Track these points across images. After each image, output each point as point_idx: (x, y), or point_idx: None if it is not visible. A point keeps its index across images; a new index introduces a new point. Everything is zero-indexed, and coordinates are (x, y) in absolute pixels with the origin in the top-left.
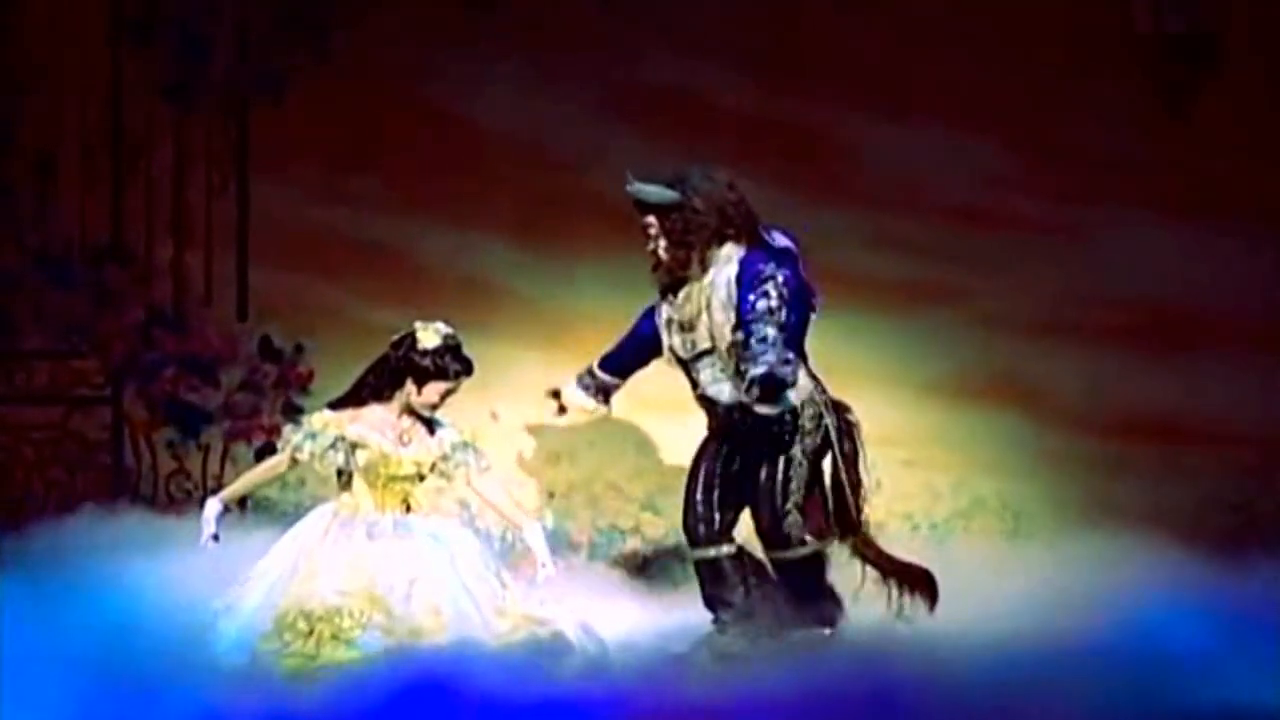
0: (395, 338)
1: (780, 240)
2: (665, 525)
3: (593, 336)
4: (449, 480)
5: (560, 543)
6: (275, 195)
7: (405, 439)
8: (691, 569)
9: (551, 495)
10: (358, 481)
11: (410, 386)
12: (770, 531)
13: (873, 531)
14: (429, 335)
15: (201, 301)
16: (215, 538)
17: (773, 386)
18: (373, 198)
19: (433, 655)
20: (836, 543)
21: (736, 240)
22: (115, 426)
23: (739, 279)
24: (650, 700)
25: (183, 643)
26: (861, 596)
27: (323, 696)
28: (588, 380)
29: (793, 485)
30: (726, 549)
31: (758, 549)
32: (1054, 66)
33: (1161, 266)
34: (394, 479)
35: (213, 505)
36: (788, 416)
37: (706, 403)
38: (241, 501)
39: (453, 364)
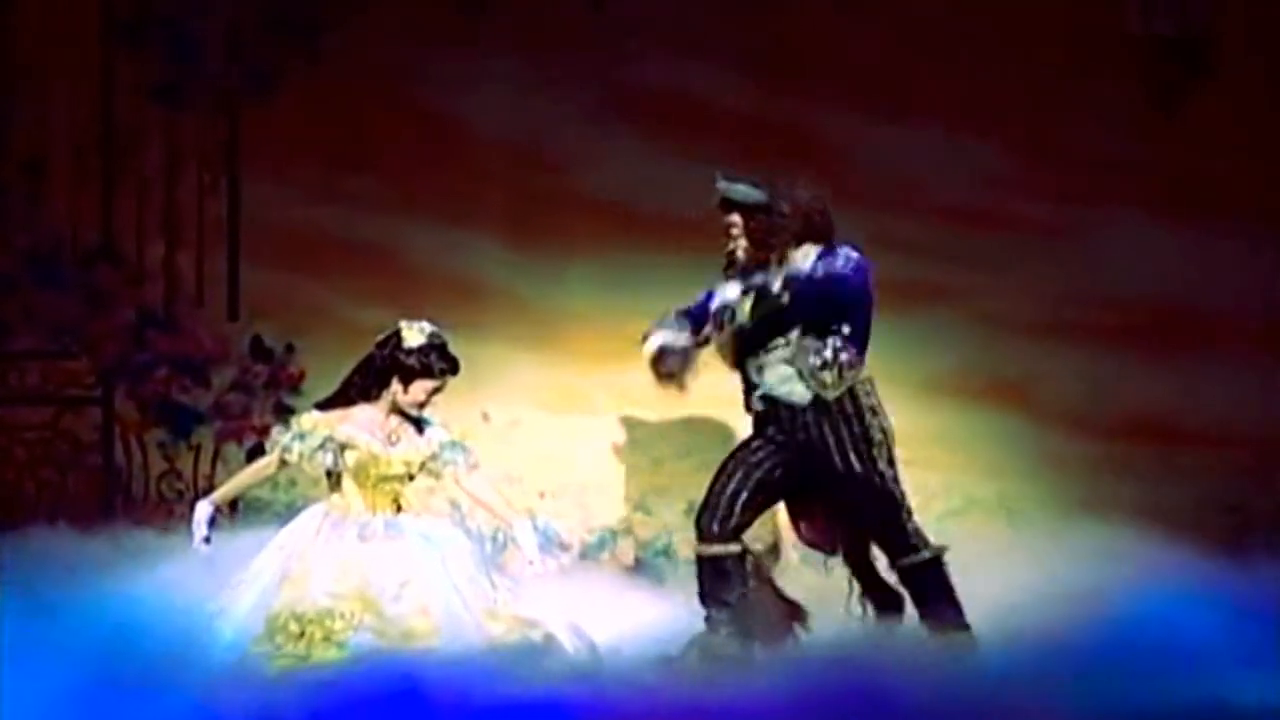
0: (380, 337)
1: (853, 254)
2: (656, 526)
3: (584, 337)
4: (438, 479)
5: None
6: (266, 196)
7: (394, 438)
8: (681, 570)
9: (542, 495)
10: (347, 482)
11: (396, 385)
12: (895, 538)
13: None
14: (414, 334)
15: (192, 302)
16: (207, 540)
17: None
18: (364, 198)
19: (423, 657)
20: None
21: (814, 244)
22: (106, 427)
23: (832, 280)
24: (640, 702)
25: (177, 646)
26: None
27: (314, 698)
28: (675, 320)
29: (897, 492)
30: (734, 548)
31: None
32: (1048, 68)
33: (1158, 267)
34: (384, 479)
35: (203, 508)
36: (858, 425)
37: (767, 403)
38: (233, 503)
39: (438, 362)
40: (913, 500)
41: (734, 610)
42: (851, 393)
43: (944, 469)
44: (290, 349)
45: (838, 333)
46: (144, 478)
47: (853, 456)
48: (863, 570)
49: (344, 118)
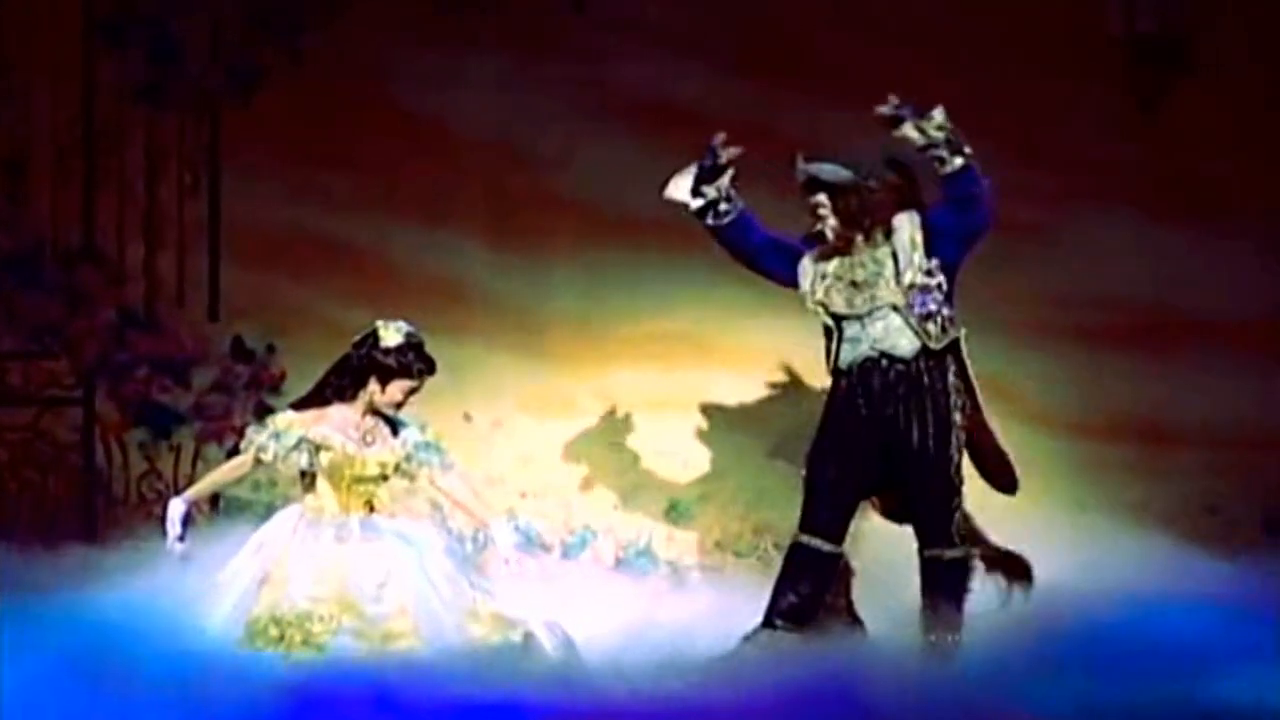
0: (358, 337)
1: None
2: (637, 526)
3: (566, 337)
4: (412, 480)
5: (532, 543)
6: (247, 196)
7: (369, 439)
8: (663, 569)
9: (524, 495)
10: (322, 483)
11: (374, 385)
12: (938, 526)
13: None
14: (391, 334)
15: (173, 302)
16: (181, 539)
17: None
18: (345, 198)
19: (403, 657)
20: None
21: (906, 209)
22: (87, 427)
23: (932, 230)
24: (626, 702)
25: (159, 650)
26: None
27: (296, 700)
28: (729, 201)
29: (958, 481)
30: (835, 549)
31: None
32: (1031, 68)
33: (1142, 267)
34: (358, 480)
35: (177, 505)
36: (942, 403)
37: (863, 363)
38: (214, 503)
39: (416, 362)
40: None
41: (802, 607)
42: (943, 369)
43: None
44: (271, 349)
45: (939, 287)
46: (124, 478)
47: (931, 438)
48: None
49: (325, 118)
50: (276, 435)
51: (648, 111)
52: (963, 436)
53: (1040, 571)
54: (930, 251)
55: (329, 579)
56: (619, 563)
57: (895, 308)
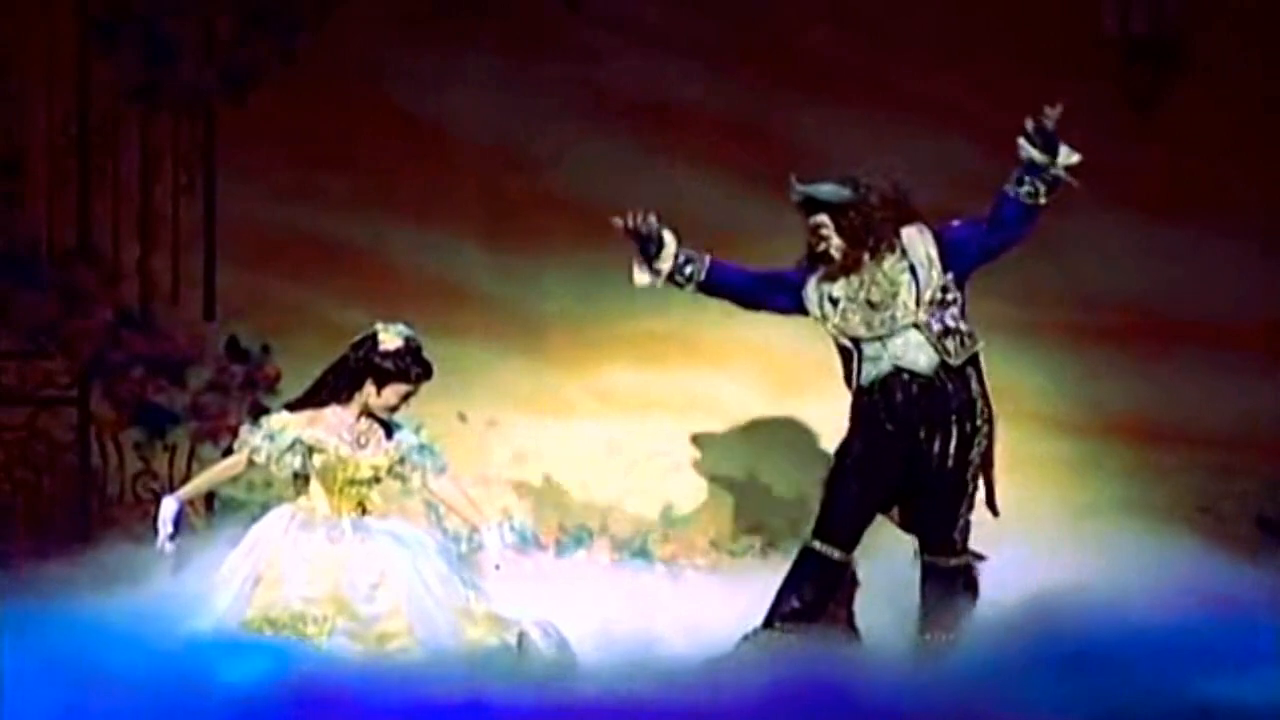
0: (356, 339)
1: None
2: (632, 527)
3: (561, 337)
4: (405, 483)
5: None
6: (242, 196)
7: (362, 441)
8: (658, 570)
9: (520, 495)
10: (314, 484)
11: (370, 388)
12: (938, 534)
13: None
14: (390, 337)
15: (169, 302)
16: (171, 538)
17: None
18: (340, 198)
19: (396, 657)
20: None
21: (905, 224)
22: (82, 427)
23: (949, 245)
24: (620, 702)
25: (155, 652)
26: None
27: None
28: (685, 264)
29: (971, 488)
30: (844, 557)
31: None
32: (1025, 68)
33: (1133, 267)
34: (350, 482)
35: (169, 504)
36: (966, 415)
37: (886, 380)
38: (209, 502)
39: (413, 366)
40: None
41: (804, 613)
42: (965, 378)
43: None
44: (266, 349)
45: (955, 302)
46: (120, 478)
47: (952, 450)
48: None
49: (320, 118)
50: (270, 437)
51: (643, 111)
52: (984, 445)
53: (1035, 571)
54: (945, 266)
55: (322, 579)
56: (614, 563)
57: (915, 324)
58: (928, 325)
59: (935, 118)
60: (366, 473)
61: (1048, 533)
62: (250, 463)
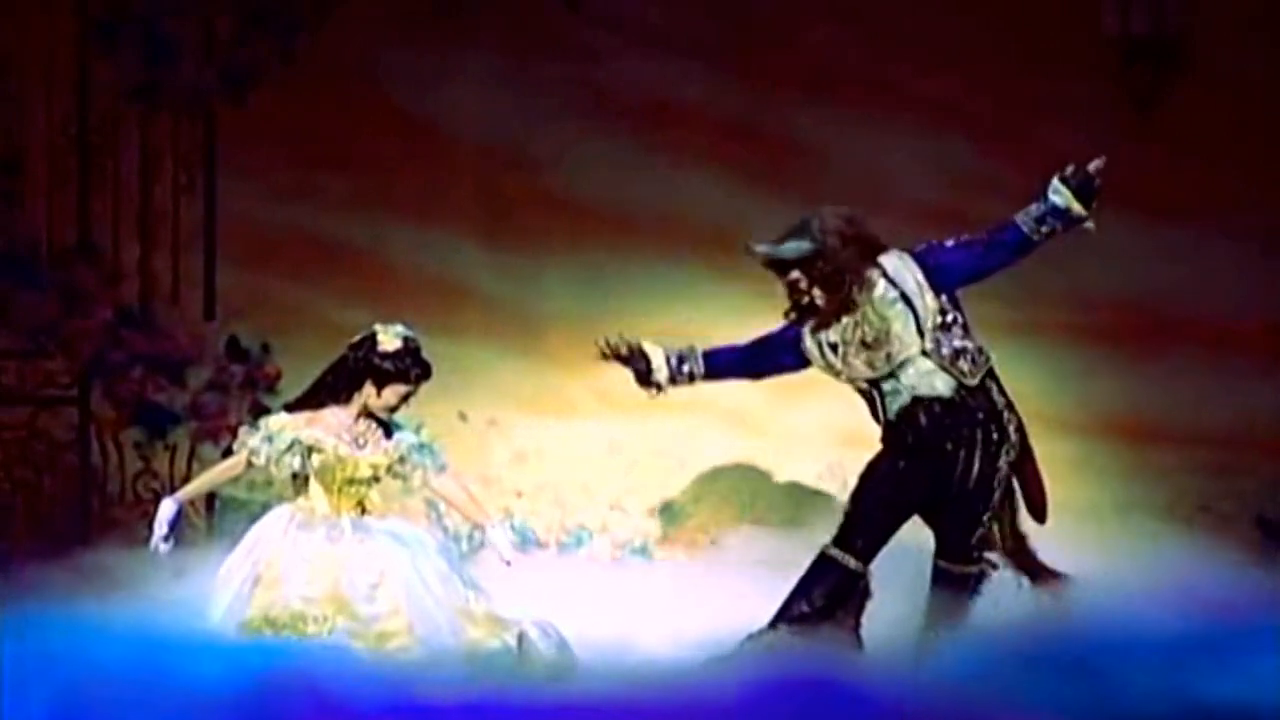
0: (355, 340)
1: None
2: (632, 527)
3: (560, 336)
4: (405, 482)
5: (527, 542)
6: (242, 195)
7: (361, 442)
8: (657, 570)
9: (519, 495)
10: (313, 484)
11: (369, 389)
12: (956, 541)
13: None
14: (389, 338)
15: (169, 301)
16: (166, 539)
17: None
18: (340, 198)
19: (397, 656)
20: (1000, 557)
21: (880, 253)
22: (82, 426)
23: (934, 267)
24: (620, 702)
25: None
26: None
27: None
28: (680, 364)
29: (995, 498)
30: (860, 566)
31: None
32: (1025, 67)
33: (1130, 266)
34: (349, 482)
35: (167, 505)
36: (993, 426)
37: (907, 410)
38: (209, 502)
39: (413, 367)
40: None
41: (812, 618)
42: (986, 391)
43: None
44: (266, 349)
45: (957, 321)
46: (120, 477)
47: (977, 458)
48: (1028, 561)
49: (320, 118)
50: (269, 438)
51: (643, 110)
52: (1012, 454)
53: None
54: (935, 289)
55: (322, 579)
56: (614, 562)
57: (924, 352)
58: (936, 351)
59: (935, 118)
60: (366, 472)
61: (1047, 533)
62: (249, 464)
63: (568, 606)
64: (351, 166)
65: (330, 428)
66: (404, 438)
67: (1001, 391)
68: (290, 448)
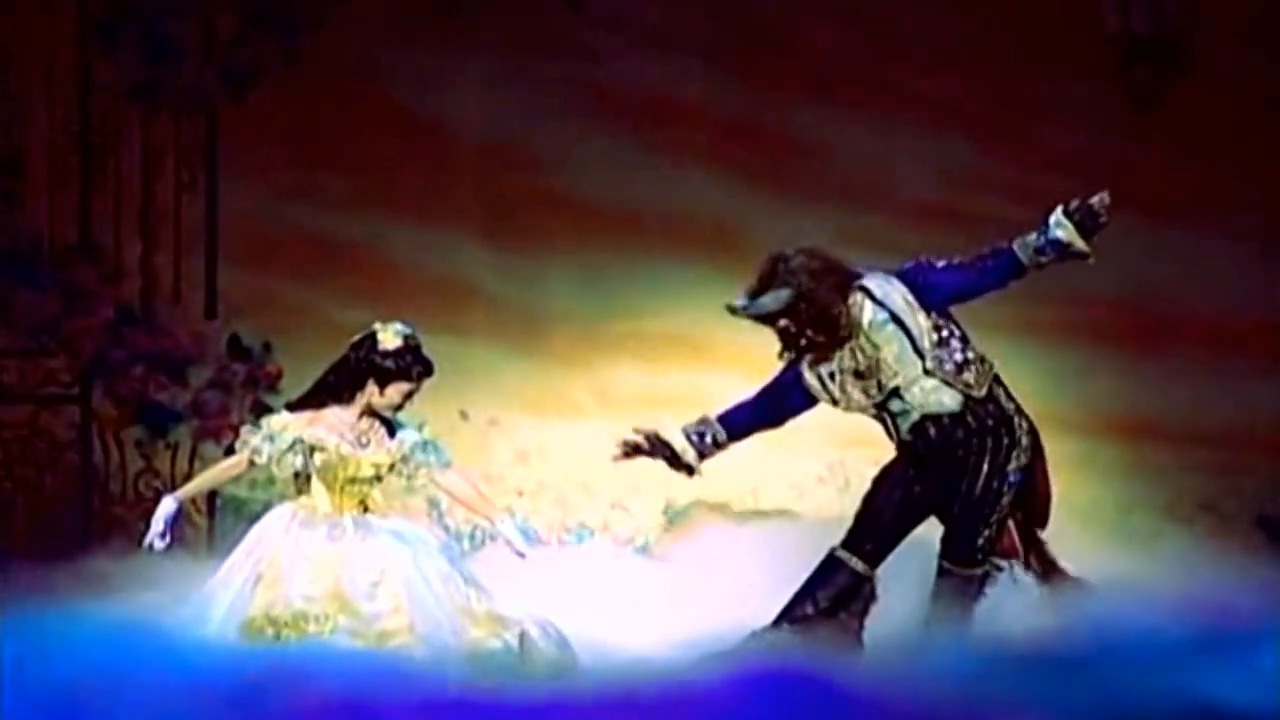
0: (355, 339)
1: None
2: (634, 524)
3: (563, 336)
4: (410, 481)
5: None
6: (244, 195)
7: (364, 441)
8: (660, 570)
9: (520, 494)
10: (315, 483)
11: (372, 388)
12: (961, 542)
13: (836, 531)
14: (390, 336)
15: (170, 300)
16: (163, 535)
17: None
18: (341, 197)
19: (398, 655)
20: (1012, 562)
21: (856, 279)
22: (84, 425)
23: (922, 287)
24: (616, 701)
25: (155, 652)
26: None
27: (292, 697)
28: (702, 438)
29: (1004, 501)
30: (867, 570)
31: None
32: (1025, 66)
33: (1130, 265)
34: (351, 481)
35: (168, 503)
36: (1004, 431)
37: (919, 427)
38: (210, 501)
39: (414, 365)
40: None
41: (816, 619)
42: (994, 397)
43: None
44: (268, 347)
45: (954, 334)
46: (122, 476)
47: (987, 461)
48: (1047, 569)
49: (321, 117)
50: (271, 437)
51: (644, 110)
52: (1023, 460)
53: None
54: (925, 307)
55: (323, 578)
56: (615, 561)
57: (926, 372)
58: (939, 368)
59: (935, 118)
60: (368, 471)
61: (1047, 532)
62: (251, 463)
63: (569, 605)
64: (353, 166)
65: (333, 427)
66: (407, 436)
67: (1010, 396)
68: (292, 447)
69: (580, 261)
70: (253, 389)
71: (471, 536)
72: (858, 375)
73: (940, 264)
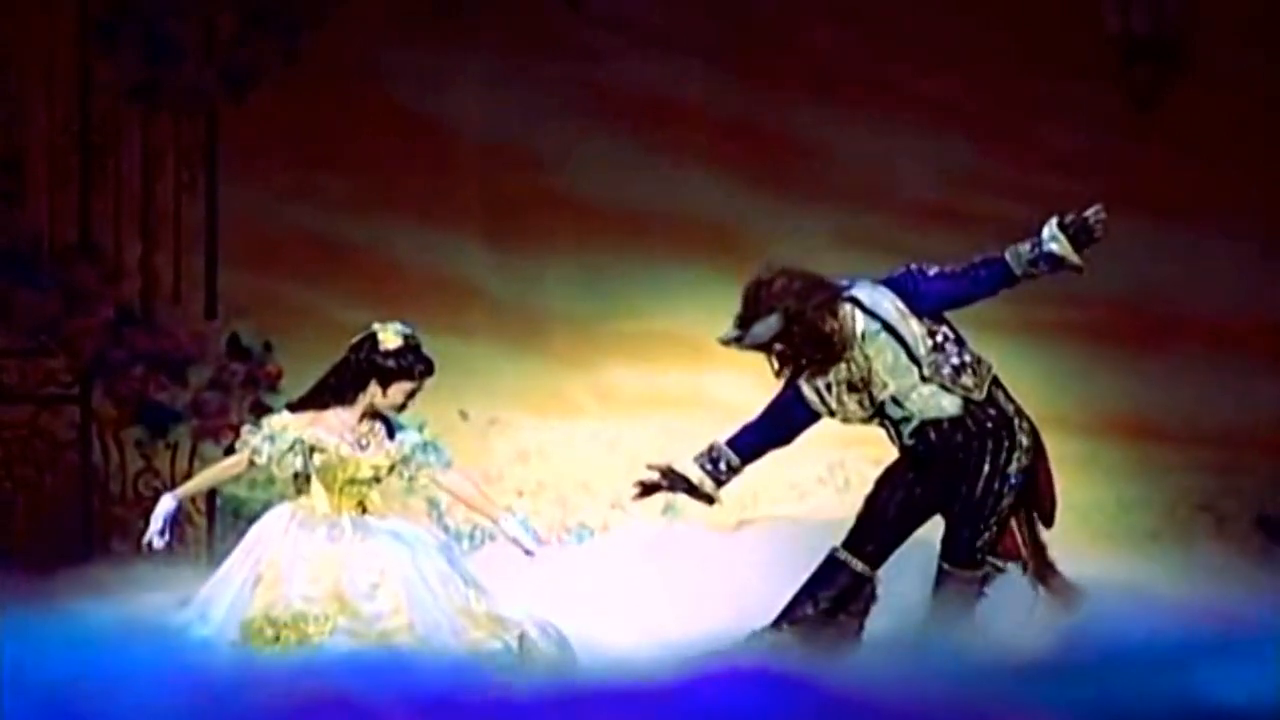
0: (355, 340)
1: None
2: (634, 524)
3: (563, 335)
4: (411, 482)
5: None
6: (244, 195)
7: (364, 442)
8: (660, 570)
9: (520, 494)
10: (314, 484)
11: (375, 388)
12: (961, 544)
13: (837, 531)
14: (390, 336)
15: (170, 300)
16: (161, 534)
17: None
18: (341, 197)
19: (396, 656)
20: (1013, 565)
21: (843, 291)
22: (84, 425)
23: (912, 294)
24: (616, 701)
25: (155, 652)
26: None
27: (291, 698)
28: (715, 466)
29: (1004, 503)
30: (868, 570)
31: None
32: (1025, 66)
33: (1131, 265)
34: (351, 482)
35: (167, 502)
36: (1004, 432)
37: (920, 432)
38: (210, 501)
39: (416, 364)
40: None
41: (816, 620)
42: (994, 399)
43: None
44: (268, 348)
45: (949, 338)
46: (122, 476)
47: (988, 462)
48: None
49: (321, 117)
50: (271, 438)
51: (644, 110)
52: (1024, 461)
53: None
54: (917, 313)
55: (323, 578)
56: (615, 561)
57: (925, 378)
58: (936, 374)
59: (935, 118)
60: (367, 473)
61: (1047, 532)
62: (251, 463)
63: (569, 605)
64: (353, 166)
65: (333, 428)
66: (407, 437)
67: (1010, 398)
68: (292, 447)
69: (580, 261)
70: (253, 389)
71: (471, 536)
72: (851, 387)
73: (931, 272)
